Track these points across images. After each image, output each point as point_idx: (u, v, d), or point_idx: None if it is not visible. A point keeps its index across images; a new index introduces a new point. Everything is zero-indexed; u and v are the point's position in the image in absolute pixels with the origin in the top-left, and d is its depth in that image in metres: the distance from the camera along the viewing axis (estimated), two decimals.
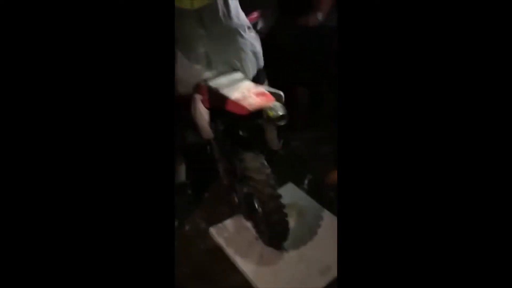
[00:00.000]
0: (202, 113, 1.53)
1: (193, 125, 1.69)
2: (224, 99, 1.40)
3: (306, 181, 2.10)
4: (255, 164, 1.43)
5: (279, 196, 1.46)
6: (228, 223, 1.84)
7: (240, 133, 1.55)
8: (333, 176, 2.02)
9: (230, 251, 1.68)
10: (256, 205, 1.55)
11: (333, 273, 1.53)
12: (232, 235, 1.77)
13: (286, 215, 1.49)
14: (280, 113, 1.30)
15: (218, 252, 1.70)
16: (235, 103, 1.35)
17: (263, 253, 1.65)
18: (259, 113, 1.33)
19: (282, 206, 1.46)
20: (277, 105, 1.33)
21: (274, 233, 1.53)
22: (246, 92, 1.38)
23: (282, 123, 1.31)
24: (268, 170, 1.44)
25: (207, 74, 1.55)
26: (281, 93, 1.41)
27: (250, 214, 1.68)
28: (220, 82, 1.51)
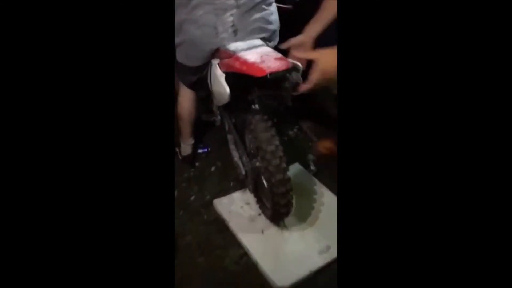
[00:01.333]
0: (218, 77, 1.52)
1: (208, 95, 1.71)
2: (241, 61, 1.39)
3: (312, 163, 2.11)
4: (266, 134, 1.43)
5: (286, 169, 1.46)
6: (233, 197, 1.86)
7: (253, 105, 1.55)
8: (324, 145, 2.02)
9: (232, 224, 1.70)
10: (262, 178, 1.56)
11: (332, 253, 1.55)
12: (235, 209, 1.79)
13: (291, 188, 1.49)
14: (297, 81, 1.29)
15: (220, 224, 1.73)
16: (252, 65, 1.34)
17: (264, 229, 1.68)
18: (275, 80, 1.32)
19: (288, 179, 1.46)
20: (295, 73, 1.31)
21: (278, 205, 1.52)
22: (265, 56, 1.37)
23: (298, 92, 1.30)
24: (278, 142, 1.44)
25: (231, 42, 1.55)
26: (300, 65, 1.39)
27: (255, 187, 1.70)
28: (238, 46, 1.50)
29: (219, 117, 1.92)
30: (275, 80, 1.34)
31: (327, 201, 1.81)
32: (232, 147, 1.86)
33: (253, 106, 1.56)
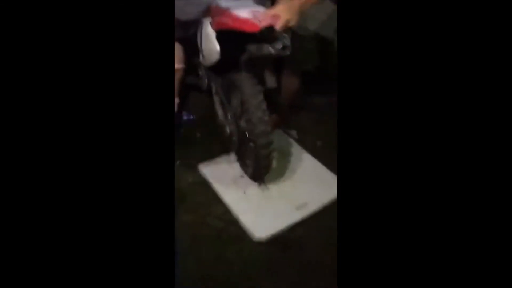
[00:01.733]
0: (209, 35, 1.57)
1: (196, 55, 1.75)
2: (233, 18, 1.43)
3: (295, 132, 2.18)
4: (252, 89, 1.50)
5: (270, 133, 1.54)
6: (217, 161, 1.94)
7: (241, 68, 1.60)
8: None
9: (215, 185, 1.79)
10: (246, 134, 1.63)
11: (309, 209, 1.64)
12: (219, 172, 1.87)
13: (272, 141, 1.57)
14: (287, 43, 1.36)
15: (204, 185, 1.81)
16: (246, 21, 1.38)
17: (246, 190, 1.76)
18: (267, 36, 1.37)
19: (269, 131, 1.54)
20: (285, 36, 1.38)
21: (259, 158, 1.59)
22: (257, 13, 1.41)
23: (285, 53, 1.37)
24: (262, 97, 1.51)
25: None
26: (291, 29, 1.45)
27: (239, 148, 1.78)
28: (231, 4, 1.55)
29: (205, 80, 1.97)
30: (268, 36, 1.38)
31: (305, 163, 1.91)
32: (218, 107, 1.93)
33: (241, 70, 1.61)
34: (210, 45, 1.58)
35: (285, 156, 1.93)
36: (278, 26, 1.34)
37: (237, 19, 1.42)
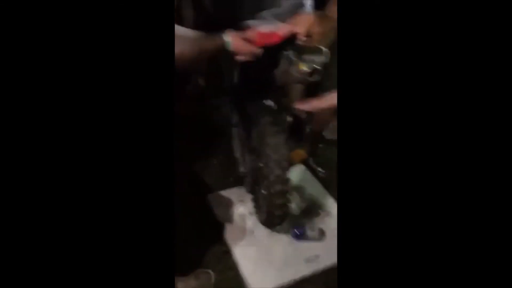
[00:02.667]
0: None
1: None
2: (258, 33, 1.22)
3: (321, 170, 1.98)
4: (276, 140, 1.33)
5: (288, 180, 1.36)
6: (228, 193, 1.78)
7: (267, 102, 1.44)
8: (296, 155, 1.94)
9: (221, 220, 1.63)
10: (262, 182, 1.46)
11: (320, 264, 1.43)
12: (228, 206, 1.70)
13: (289, 200, 1.39)
14: (315, 66, 1.17)
15: (209, 219, 1.65)
16: (266, 33, 1.20)
17: (254, 230, 1.58)
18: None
19: (287, 191, 1.36)
20: (314, 58, 1.19)
21: (272, 215, 1.44)
22: (279, 26, 1.23)
23: (313, 79, 1.18)
24: (284, 150, 1.34)
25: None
26: (325, 50, 1.23)
27: (253, 188, 1.61)
28: (257, 23, 1.38)
29: (227, 108, 1.82)
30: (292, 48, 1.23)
31: (326, 207, 1.69)
32: (235, 141, 1.79)
33: (265, 102, 1.45)
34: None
35: (304, 197, 1.72)
36: (301, 30, 1.17)
37: (259, 33, 1.26)
